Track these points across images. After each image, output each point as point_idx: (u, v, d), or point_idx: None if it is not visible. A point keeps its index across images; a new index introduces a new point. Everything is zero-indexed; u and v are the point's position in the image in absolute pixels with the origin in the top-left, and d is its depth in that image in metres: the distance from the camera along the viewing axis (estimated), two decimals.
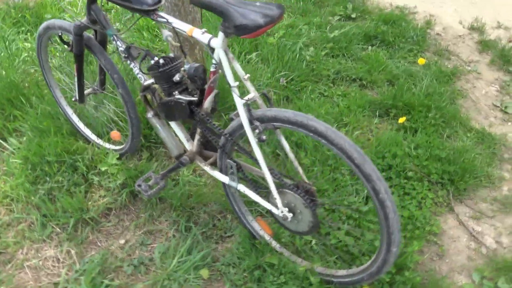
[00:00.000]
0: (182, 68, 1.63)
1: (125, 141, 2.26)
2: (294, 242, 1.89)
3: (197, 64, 1.60)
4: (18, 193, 2.13)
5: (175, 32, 1.60)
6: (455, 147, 2.34)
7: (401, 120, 2.46)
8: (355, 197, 2.05)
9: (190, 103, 1.65)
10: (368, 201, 2.04)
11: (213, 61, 1.52)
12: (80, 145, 2.32)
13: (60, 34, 1.98)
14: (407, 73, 2.92)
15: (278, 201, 1.58)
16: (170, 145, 1.90)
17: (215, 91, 1.62)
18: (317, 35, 3.25)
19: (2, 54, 2.96)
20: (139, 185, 1.88)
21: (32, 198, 2.11)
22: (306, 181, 1.63)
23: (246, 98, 1.50)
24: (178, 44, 1.67)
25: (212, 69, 1.54)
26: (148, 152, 2.38)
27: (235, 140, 1.60)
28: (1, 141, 2.41)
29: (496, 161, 2.35)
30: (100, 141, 2.37)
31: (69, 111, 2.42)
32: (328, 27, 3.37)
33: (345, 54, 3.11)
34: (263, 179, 1.60)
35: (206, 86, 1.62)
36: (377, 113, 2.62)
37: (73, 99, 2.24)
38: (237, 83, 1.49)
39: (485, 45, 3.30)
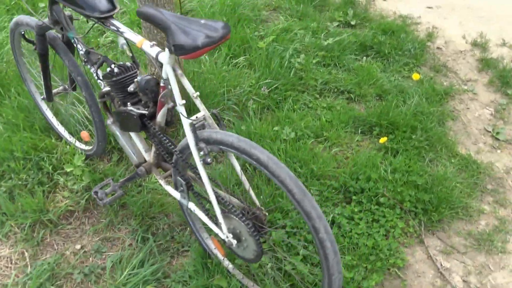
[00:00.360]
0: (136, 79, 1.56)
1: (93, 143, 2.22)
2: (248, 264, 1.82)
3: (148, 77, 1.53)
4: None
5: (127, 42, 1.54)
6: (435, 174, 2.23)
7: (382, 140, 2.36)
8: None
9: (142, 115, 1.59)
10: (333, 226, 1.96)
11: (163, 76, 1.45)
12: (50, 142, 2.28)
13: (22, 32, 1.94)
14: (399, 88, 2.80)
15: (223, 226, 1.51)
16: (129, 153, 1.85)
17: (168, 105, 1.55)
18: (311, 42, 3.15)
19: None
20: (95, 192, 1.82)
21: None
22: (258, 206, 1.56)
23: (193, 118, 1.43)
24: (130, 55, 1.61)
25: (161, 84, 1.47)
26: (119, 154, 2.33)
27: (184, 159, 1.54)
28: None
29: (477, 192, 2.23)
30: (72, 140, 2.33)
31: (44, 107, 2.38)
32: (323, 34, 3.26)
33: (337, 64, 3.01)
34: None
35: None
36: (360, 130, 2.52)
37: (41, 97, 2.20)
38: (184, 101, 1.41)
39: (485, 64, 3.14)
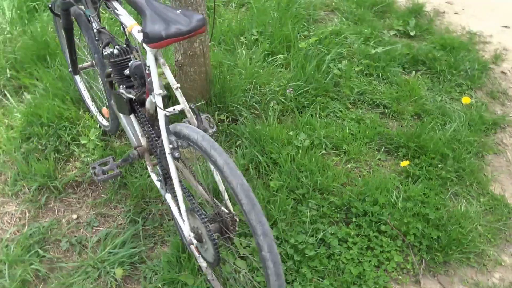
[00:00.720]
0: (130, 64, 1.57)
1: None
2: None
3: (138, 62, 1.52)
4: (9, 146, 2.27)
5: (122, 25, 1.54)
6: (454, 210, 2.00)
7: (404, 163, 2.16)
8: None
9: (131, 100, 1.60)
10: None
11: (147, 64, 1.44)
12: (76, 114, 2.39)
13: (49, 5, 2.03)
14: (441, 110, 2.55)
15: (186, 223, 1.47)
16: (129, 135, 1.87)
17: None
18: (358, 48, 2.97)
19: (45, 11, 3.14)
20: (93, 167, 1.87)
21: (15, 154, 2.23)
22: (230, 210, 1.50)
23: (169, 109, 1.40)
24: (125, 38, 1.61)
25: (146, 71, 1.45)
26: None
27: (162, 150, 1.51)
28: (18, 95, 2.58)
29: (500, 239, 1.97)
30: (97, 114, 2.42)
31: (78, 79, 2.50)
32: (374, 41, 3.06)
33: (380, 75, 2.81)
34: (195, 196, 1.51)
35: None
36: (385, 149, 2.33)
37: (69, 70, 2.30)
38: (161, 91, 1.39)
39: None
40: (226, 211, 1.48)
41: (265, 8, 3.33)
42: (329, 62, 2.79)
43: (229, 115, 2.40)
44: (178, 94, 1.43)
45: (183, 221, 1.48)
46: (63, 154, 2.26)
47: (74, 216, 2.05)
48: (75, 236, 1.95)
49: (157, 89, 1.39)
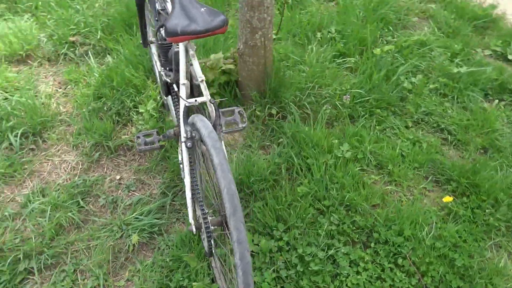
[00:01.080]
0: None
1: None
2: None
3: (177, 49, 1.59)
4: (81, 102, 2.53)
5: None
6: (490, 263, 1.81)
7: (446, 199, 2.00)
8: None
9: (167, 83, 1.68)
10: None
11: None
12: (143, 83, 2.57)
13: None
14: None
15: (190, 211, 1.54)
16: (172, 114, 1.98)
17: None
18: (441, 64, 2.75)
19: None
20: (138, 137, 2.02)
21: (84, 110, 2.48)
22: None
23: (190, 100, 1.45)
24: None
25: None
26: None
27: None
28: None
29: None
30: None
31: (153, 50, 2.67)
32: (462, 59, 2.80)
33: (456, 98, 2.58)
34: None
35: None
36: (434, 178, 2.17)
37: (140, 41, 2.46)
38: (185, 81, 1.44)
39: None
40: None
41: (353, 6, 3.21)
42: (401, 74, 2.63)
43: (280, 111, 2.40)
44: (203, 87, 1.48)
45: (188, 207, 1.55)
46: (123, 118, 2.46)
47: (118, 177, 2.24)
48: (113, 196, 2.13)
49: (182, 79, 1.45)
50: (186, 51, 1.43)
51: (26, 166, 2.25)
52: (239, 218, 1.21)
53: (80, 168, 2.26)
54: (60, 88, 2.72)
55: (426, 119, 2.46)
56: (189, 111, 1.48)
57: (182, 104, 1.45)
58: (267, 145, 2.32)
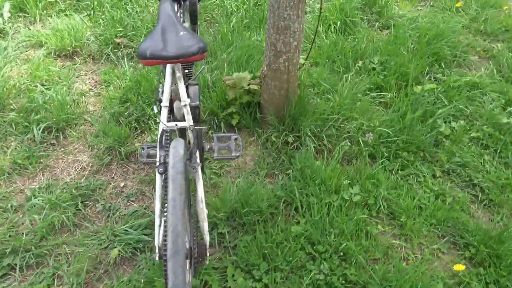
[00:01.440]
0: None
1: None
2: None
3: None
4: (107, 104, 2.58)
5: None
6: None
7: (457, 267, 1.75)
8: None
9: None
10: None
11: None
12: None
13: None
14: None
15: (156, 239, 1.46)
16: None
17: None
18: (489, 112, 2.46)
19: None
20: (143, 148, 2.00)
21: (106, 112, 2.52)
22: (204, 240, 1.45)
23: (169, 124, 1.39)
24: None
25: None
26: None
27: None
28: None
29: None
30: None
31: None
32: None
33: (499, 151, 2.28)
34: None
35: None
36: (451, 239, 1.92)
37: None
38: (166, 104, 1.38)
39: None
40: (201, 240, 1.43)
41: (405, 36, 2.99)
42: (440, 116, 2.38)
43: (297, 140, 2.27)
44: (185, 111, 1.41)
45: (155, 234, 1.48)
46: (141, 125, 2.47)
47: (122, 184, 2.23)
48: (111, 203, 2.12)
49: (165, 101, 1.39)
50: (173, 72, 1.37)
51: (41, 160, 2.32)
52: (179, 262, 1.12)
53: (90, 170, 2.28)
54: (95, 87, 2.80)
55: (458, 170, 2.20)
56: (171, 134, 1.42)
57: (160, 127, 1.39)
58: (276, 174, 2.20)
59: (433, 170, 2.20)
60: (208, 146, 1.73)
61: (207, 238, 1.49)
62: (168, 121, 1.55)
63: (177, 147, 1.34)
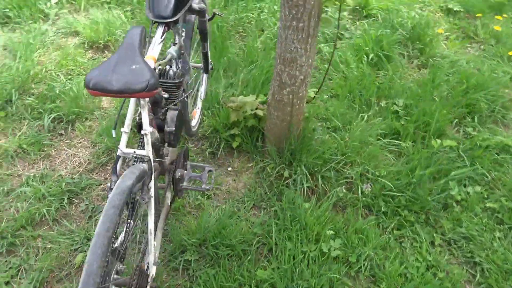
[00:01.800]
0: None
1: None
2: None
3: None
4: (120, 101, 2.59)
5: None
6: None
7: None
8: None
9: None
10: None
11: None
12: None
13: None
14: None
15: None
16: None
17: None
18: (509, 181, 2.21)
19: None
20: None
21: (116, 111, 2.54)
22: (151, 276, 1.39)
23: (127, 150, 1.34)
24: None
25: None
26: None
27: None
28: None
29: None
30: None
31: None
32: None
33: None
34: None
35: None
36: None
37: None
38: (126, 130, 1.34)
39: None
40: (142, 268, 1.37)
41: (442, 81, 2.77)
42: (454, 178, 2.18)
43: (291, 176, 2.16)
44: (145, 140, 1.36)
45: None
46: None
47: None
48: (94, 205, 2.12)
49: (126, 127, 1.35)
50: (138, 99, 1.33)
51: (45, 149, 2.37)
52: (90, 273, 1.07)
53: (86, 167, 2.31)
54: None
55: (461, 243, 1.99)
56: (124, 160, 1.37)
57: (118, 152, 1.35)
58: (262, 207, 2.10)
59: (433, 237, 2.00)
60: (179, 174, 1.68)
61: (152, 271, 1.44)
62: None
63: (124, 177, 1.28)
